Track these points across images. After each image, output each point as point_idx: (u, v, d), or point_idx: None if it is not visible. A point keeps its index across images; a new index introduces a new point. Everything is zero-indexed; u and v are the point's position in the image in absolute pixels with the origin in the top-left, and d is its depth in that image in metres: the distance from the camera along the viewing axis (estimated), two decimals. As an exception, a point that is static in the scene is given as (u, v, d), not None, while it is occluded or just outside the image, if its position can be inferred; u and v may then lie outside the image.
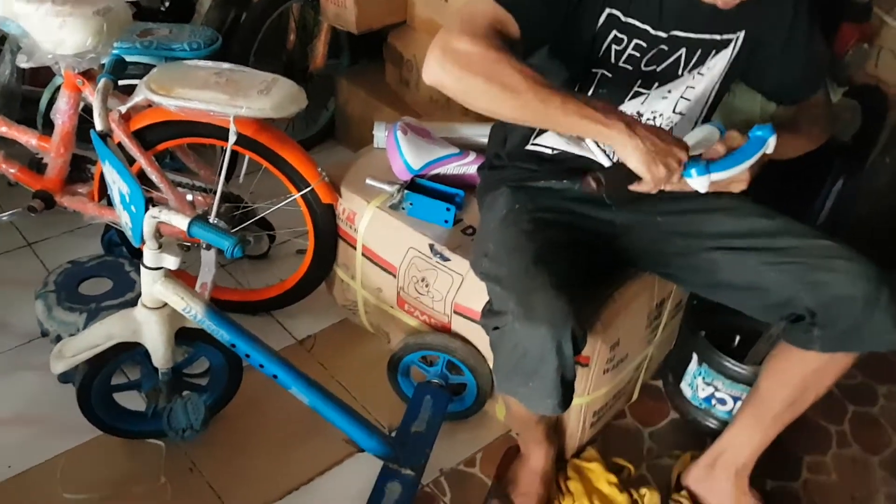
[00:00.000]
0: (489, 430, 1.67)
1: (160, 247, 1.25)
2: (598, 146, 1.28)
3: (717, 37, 1.28)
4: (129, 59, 1.83)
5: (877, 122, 2.11)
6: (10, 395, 1.63)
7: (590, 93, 1.30)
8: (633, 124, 1.08)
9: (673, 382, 1.77)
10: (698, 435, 1.69)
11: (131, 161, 1.67)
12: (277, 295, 1.84)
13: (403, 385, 1.69)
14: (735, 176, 1.17)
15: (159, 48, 1.86)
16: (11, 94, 2.08)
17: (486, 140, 1.63)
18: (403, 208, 1.61)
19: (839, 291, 1.23)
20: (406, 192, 1.61)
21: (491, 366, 1.33)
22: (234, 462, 1.55)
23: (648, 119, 1.34)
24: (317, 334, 1.86)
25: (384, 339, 1.80)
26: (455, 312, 1.55)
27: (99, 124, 1.27)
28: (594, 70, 1.28)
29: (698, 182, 1.13)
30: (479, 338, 1.50)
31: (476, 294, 1.42)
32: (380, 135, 1.79)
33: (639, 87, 1.30)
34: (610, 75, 1.28)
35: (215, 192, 1.64)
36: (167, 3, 2.40)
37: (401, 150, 1.66)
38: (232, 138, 1.53)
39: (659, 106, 1.33)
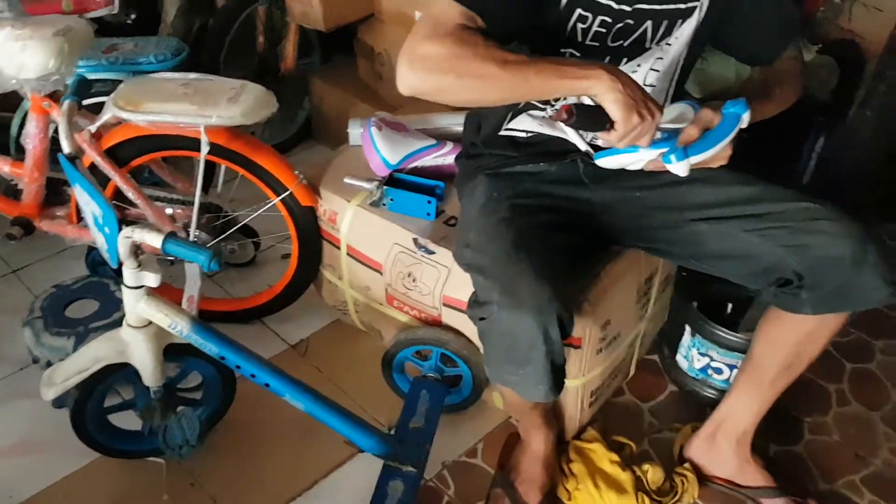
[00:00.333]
0: (489, 419, 1.67)
1: (139, 265, 1.24)
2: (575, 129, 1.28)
3: (682, 5, 1.26)
4: (95, 76, 1.83)
5: (854, 76, 2.10)
6: (7, 423, 1.63)
7: None
8: (614, 70, 1.08)
9: (669, 355, 1.77)
10: (698, 406, 1.69)
11: (107, 180, 1.66)
12: (267, 301, 1.83)
13: (399, 382, 1.68)
14: (715, 154, 1.16)
15: (126, 63, 1.86)
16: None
17: (462, 129, 1.62)
18: (384, 205, 1.60)
19: (825, 252, 1.23)
20: (385, 188, 1.60)
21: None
22: (236, 473, 1.54)
23: None
24: (310, 337, 1.85)
25: (377, 336, 1.79)
26: (444, 305, 1.54)
27: (66, 147, 1.25)
28: (562, 51, 1.27)
29: (678, 167, 1.13)
30: (471, 328, 1.47)
31: (463, 285, 1.41)
32: (354, 132, 1.78)
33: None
34: (578, 54, 1.27)
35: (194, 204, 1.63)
36: (133, 16, 2.38)
37: (376, 147, 1.65)
38: (204, 149, 1.51)
39: (629, 80, 1.32)
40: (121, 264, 1.24)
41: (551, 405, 1.52)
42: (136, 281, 1.25)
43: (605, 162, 1.21)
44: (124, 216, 1.79)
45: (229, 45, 2.24)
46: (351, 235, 1.64)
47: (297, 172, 1.64)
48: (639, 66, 1.30)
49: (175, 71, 1.76)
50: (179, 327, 1.30)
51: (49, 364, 1.63)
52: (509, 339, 1.18)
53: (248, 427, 1.62)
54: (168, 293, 1.79)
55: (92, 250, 1.91)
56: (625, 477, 1.49)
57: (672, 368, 1.76)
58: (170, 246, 1.10)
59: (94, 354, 1.36)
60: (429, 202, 1.57)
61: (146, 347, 1.33)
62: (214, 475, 1.54)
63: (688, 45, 1.31)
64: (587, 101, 1.11)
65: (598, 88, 1.07)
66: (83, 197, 1.22)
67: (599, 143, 1.29)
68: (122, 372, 1.40)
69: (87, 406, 1.45)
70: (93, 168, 1.63)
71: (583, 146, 1.26)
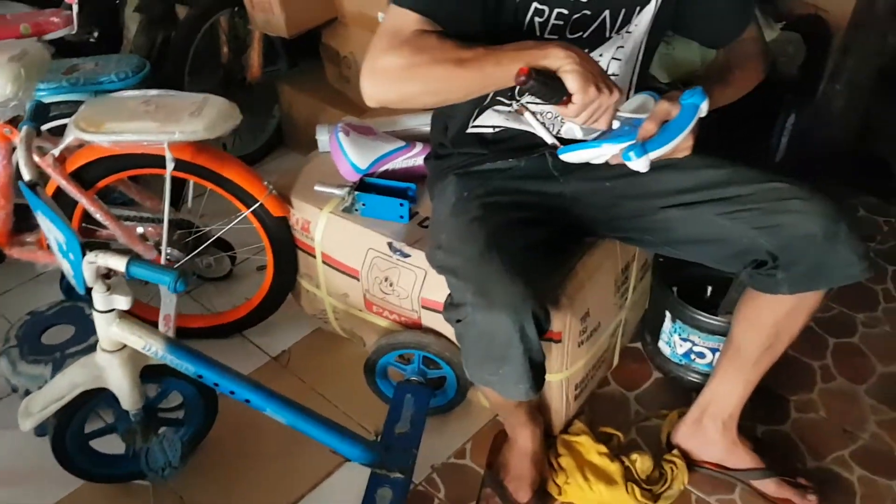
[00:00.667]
0: (476, 419, 1.66)
1: (109, 288, 1.22)
2: (537, 119, 1.27)
3: (639, -7, 1.26)
4: (57, 98, 1.81)
5: (821, 50, 2.11)
6: (-10, 455, 1.61)
7: None
8: (572, 46, 1.08)
9: (651, 342, 1.77)
10: (683, 391, 1.70)
11: (75, 203, 1.64)
12: (246, 314, 1.82)
13: (383, 387, 1.68)
14: (675, 146, 1.15)
15: (87, 83, 1.83)
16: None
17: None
18: (356, 210, 1.60)
19: (797, 231, 1.23)
20: (356, 193, 1.59)
21: (465, 356, 1.32)
22: (223, 491, 1.53)
23: None
24: (291, 348, 1.84)
25: (359, 343, 1.78)
26: (423, 307, 1.54)
27: (26, 174, 1.23)
28: None
29: (638, 163, 1.12)
30: (451, 329, 1.47)
31: (441, 286, 1.40)
32: (323, 138, 1.77)
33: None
34: None
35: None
36: (95, 35, 2.36)
37: (345, 152, 1.64)
38: (169, 165, 1.50)
39: (592, 71, 1.31)
40: (90, 289, 1.22)
41: (536, 401, 1.52)
42: (107, 305, 1.23)
43: (568, 157, 1.20)
44: (95, 238, 1.78)
45: (193, 58, 2.22)
46: (325, 243, 1.63)
47: (266, 183, 1.63)
48: (601, 55, 1.30)
49: (138, 87, 1.75)
50: (154, 348, 1.28)
51: (28, 393, 1.60)
52: (486, 340, 1.17)
53: (234, 443, 1.61)
54: (146, 312, 1.77)
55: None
56: (614, 468, 1.49)
57: (655, 355, 1.76)
58: (133, 269, 1.09)
59: (70, 381, 1.35)
60: (401, 205, 1.57)
61: (122, 371, 1.32)
62: (202, 494, 1.52)
63: (648, 32, 1.31)
64: (520, 127, 1.12)
65: (555, 61, 1.07)
66: (45, 224, 1.20)
67: (564, 136, 1.29)
68: (100, 397, 1.38)
69: (67, 433, 1.44)
70: (59, 192, 1.61)
71: (549, 139, 1.26)
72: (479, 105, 1.36)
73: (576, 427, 1.60)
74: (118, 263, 1.10)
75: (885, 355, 1.81)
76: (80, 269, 1.15)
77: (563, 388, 1.54)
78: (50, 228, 1.21)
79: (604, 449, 1.53)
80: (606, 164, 1.23)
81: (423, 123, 1.76)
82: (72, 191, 1.59)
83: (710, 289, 1.75)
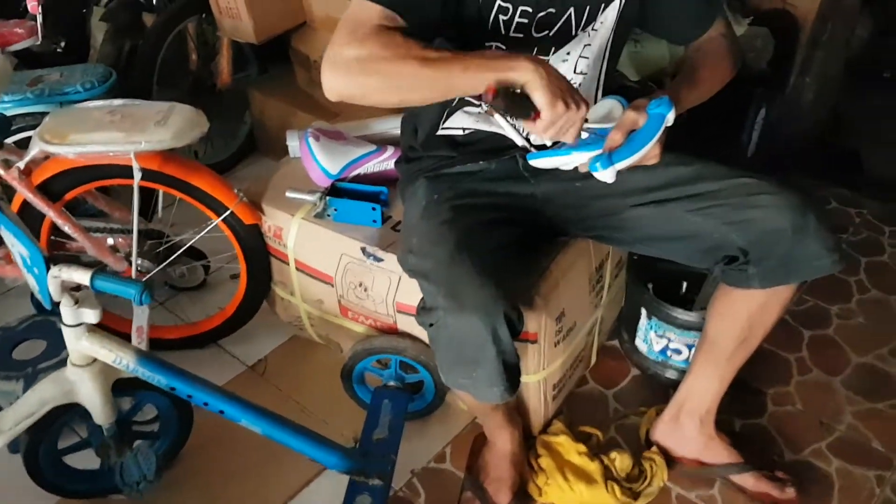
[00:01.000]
0: (455, 423, 1.66)
1: (76, 302, 1.21)
2: (507, 121, 1.28)
3: (603, -10, 1.27)
4: (22, 110, 1.79)
5: (789, 44, 2.13)
6: (-38, 475, 1.59)
7: None
8: (541, 61, 1.08)
9: (628, 340, 1.78)
10: (661, 388, 1.71)
11: (43, 216, 1.62)
12: (220, 324, 1.81)
13: (361, 393, 1.67)
14: (642, 157, 1.16)
15: (52, 94, 1.82)
16: None
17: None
18: (329, 215, 1.59)
19: (766, 226, 1.24)
20: (328, 198, 1.58)
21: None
22: (202, 503, 1.52)
23: None
24: (268, 356, 1.83)
25: (336, 349, 1.78)
26: (398, 311, 1.54)
27: (-13, 188, 1.22)
28: (487, 44, 1.26)
29: (605, 174, 1.13)
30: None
31: (415, 290, 1.39)
32: (293, 144, 1.76)
33: (535, 54, 1.29)
34: (504, 48, 1.26)
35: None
36: (62, 45, 2.34)
37: (315, 158, 1.64)
38: (137, 175, 1.49)
39: (560, 69, 1.31)
40: (58, 303, 1.21)
41: (514, 403, 1.52)
42: (75, 319, 1.22)
43: (537, 163, 1.22)
44: (65, 251, 1.76)
45: (161, 66, 2.20)
46: (298, 250, 1.63)
47: (237, 190, 1.62)
48: (568, 54, 1.30)
49: (105, 97, 1.74)
50: (125, 361, 1.27)
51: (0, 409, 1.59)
52: (458, 343, 1.17)
53: (211, 455, 1.59)
54: (120, 324, 1.76)
55: (36, 288, 1.87)
56: (593, 467, 1.50)
57: (632, 353, 1.77)
58: (98, 282, 1.08)
59: (41, 397, 1.33)
60: (373, 209, 1.56)
61: (93, 386, 1.31)
62: (179, 507, 1.52)
63: (614, 29, 1.31)
64: (489, 129, 1.12)
65: (523, 76, 1.06)
66: (9, 239, 1.19)
67: (534, 139, 1.29)
68: (72, 412, 1.37)
69: (40, 450, 1.42)
70: (26, 205, 1.60)
71: (519, 141, 1.26)
72: (449, 107, 1.36)
73: (555, 427, 1.60)
74: (83, 277, 1.09)
75: (859, 346, 1.83)
76: (46, 284, 1.13)
77: (541, 389, 1.54)
78: (13, 243, 1.19)
79: (583, 448, 1.53)
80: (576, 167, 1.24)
81: (393, 127, 1.76)
82: (38, 204, 1.58)
83: (684, 285, 1.76)
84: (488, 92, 1.06)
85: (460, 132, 1.39)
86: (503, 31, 1.24)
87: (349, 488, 1.40)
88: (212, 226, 1.63)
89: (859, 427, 1.64)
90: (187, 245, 1.70)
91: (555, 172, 1.37)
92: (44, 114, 1.69)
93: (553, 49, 1.29)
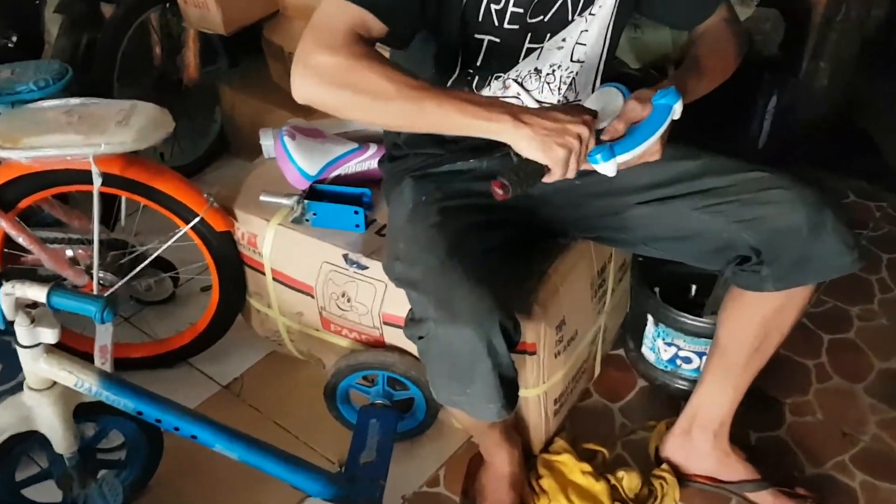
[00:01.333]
0: (449, 442, 1.66)
1: (33, 320, 1.20)
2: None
3: (599, -29, 1.27)
4: (-31, 112, 1.78)
5: (801, 26, 2.14)
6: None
7: (478, 62, 1.28)
8: (518, 113, 1.07)
9: (634, 349, 1.79)
10: (670, 400, 1.71)
11: (-7, 227, 1.61)
12: (192, 340, 1.81)
13: (346, 413, 1.67)
14: (646, 150, 1.16)
15: (2, 94, 1.80)
16: None
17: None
18: (307, 220, 1.59)
19: (780, 223, 1.25)
20: (306, 202, 1.58)
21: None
22: (174, 536, 1.52)
23: (547, 74, 1.33)
24: (244, 374, 1.83)
25: (318, 365, 1.77)
26: (385, 323, 1.54)
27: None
28: (478, 37, 1.26)
29: (605, 167, 1.13)
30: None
31: (403, 300, 1.40)
32: (267, 143, 1.76)
33: (530, 42, 1.29)
34: (497, 40, 1.26)
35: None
36: (14, 40, 2.32)
37: (292, 158, 1.63)
38: (97, 181, 1.48)
39: (555, 58, 1.32)
40: (12, 322, 1.20)
41: (512, 420, 1.52)
42: (32, 339, 1.21)
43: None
44: (20, 264, 1.75)
45: (122, 61, 2.19)
46: (275, 258, 1.62)
47: (206, 195, 1.62)
48: (564, 40, 1.31)
49: (60, 96, 1.72)
50: (87, 384, 1.26)
51: (-48, 440, 1.57)
52: (450, 357, 1.17)
53: (183, 485, 1.59)
54: (82, 343, 1.75)
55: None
56: (599, 487, 1.50)
57: (639, 362, 1.78)
58: (55, 299, 1.07)
59: (-5, 425, 1.32)
60: (356, 213, 1.56)
61: (52, 411, 1.29)
62: (150, 541, 1.51)
63: (613, 13, 1.31)
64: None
65: (507, 136, 1.07)
66: (-43, 253, 1.18)
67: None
68: (31, 440, 1.36)
69: (-4, 483, 1.41)
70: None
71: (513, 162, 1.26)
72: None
73: (557, 445, 1.60)
74: (38, 294, 1.08)
75: (883, 350, 1.84)
76: (-2, 302, 1.12)
77: (542, 404, 1.54)
78: (-38, 258, 1.18)
79: (588, 467, 1.53)
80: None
81: (376, 123, 1.76)
82: (-11, 214, 1.57)
83: (694, 288, 1.77)
84: (496, 189, 1.07)
85: (448, 128, 1.39)
86: (496, 23, 1.24)
87: (335, 517, 1.40)
88: (180, 234, 1.62)
89: (884, 437, 1.65)
90: (153, 256, 1.70)
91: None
92: (-6, 115, 1.68)
93: (549, 35, 1.29)
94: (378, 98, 1.06)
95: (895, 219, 2.24)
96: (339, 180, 1.65)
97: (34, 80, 1.80)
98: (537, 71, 1.32)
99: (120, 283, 1.71)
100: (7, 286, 1.10)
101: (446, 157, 1.40)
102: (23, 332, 1.20)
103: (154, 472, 1.55)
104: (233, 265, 1.68)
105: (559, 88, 1.33)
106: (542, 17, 1.27)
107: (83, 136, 1.45)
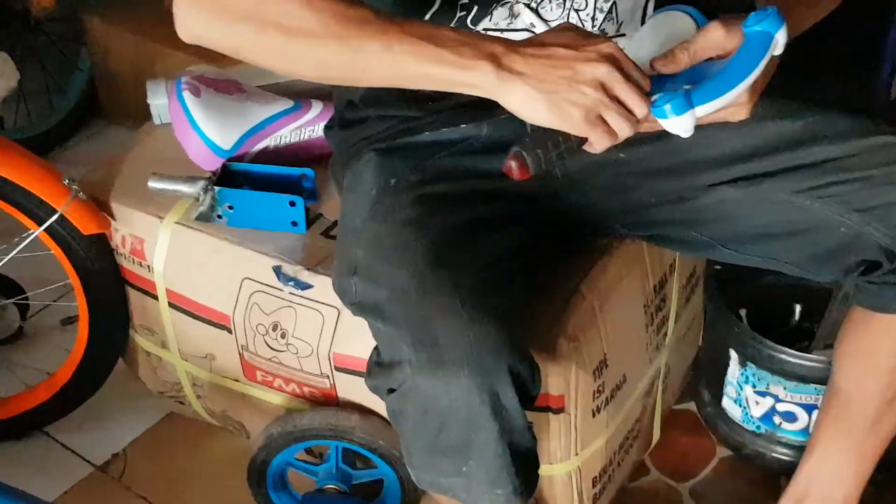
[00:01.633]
0: (435, 545, 1.67)
1: None
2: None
3: None
4: None
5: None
6: None
7: None
8: (503, 54, 1.05)
9: (711, 402, 1.80)
10: (766, 476, 1.73)
11: None
12: (49, 399, 1.82)
13: (281, 503, 1.68)
14: (736, 98, 1.15)
15: None
16: None
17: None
18: (220, 217, 1.60)
19: (926, 214, 1.26)
20: (218, 189, 1.59)
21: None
22: None
23: (567, 9, 1.32)
24: (127, 449, 1.85)
25: (238, 432, 1.79)
26: (338, 369, 1.55)
27: None
28: None
29: (677, 123, 1.11)
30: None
31: (365, 333, 1.41)
32: (158, 102, 1.78)
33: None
34: None
35: None
36: None
37: (195, 124, 1.64)
38: None
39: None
40: None
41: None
42: None
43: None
44: None
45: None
46: (171, 274, 1.64)
47: (68, 181, 1.63)
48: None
49: None
50: None
51: None
52: (436, 420, 1.17)
53: None
54: None
55: None
56: None
57: (719, 421, 1.79)
58: None
59: None
60: (292, 204, 1.58)
61: None
62: None
63: None
64: None
65: (489, 91, 1.06)
66: None
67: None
68: None
69: None
70: None
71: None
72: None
73: (598, 546, 1.61)
74: None
75: None
76: None
77: (574, 485, 1.55)
78: None
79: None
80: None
81: (321, 70, 1.77)
82: None
83: (798, 309, 1.78)
84: (512, 165, 1.09)
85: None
86: None
87: None
88: (29, 239, 1.64)
89: None
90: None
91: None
92: None
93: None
94: (294, 37, 1.06)
95: None
96: (266, 156, 1.67)
97: None
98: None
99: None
100: None
101: (426, 121, 1.39)
102: None
103: None
104: (108, 285, 1.70)
105: (593, 18, 1.33)
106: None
107: None
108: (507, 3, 1.30)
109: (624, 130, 1.07)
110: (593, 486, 1.59)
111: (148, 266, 1.64)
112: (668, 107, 1.08)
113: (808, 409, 1.66)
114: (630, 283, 1.54)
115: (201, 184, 1.59)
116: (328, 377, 1.55)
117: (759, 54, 1.13)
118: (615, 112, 1.05)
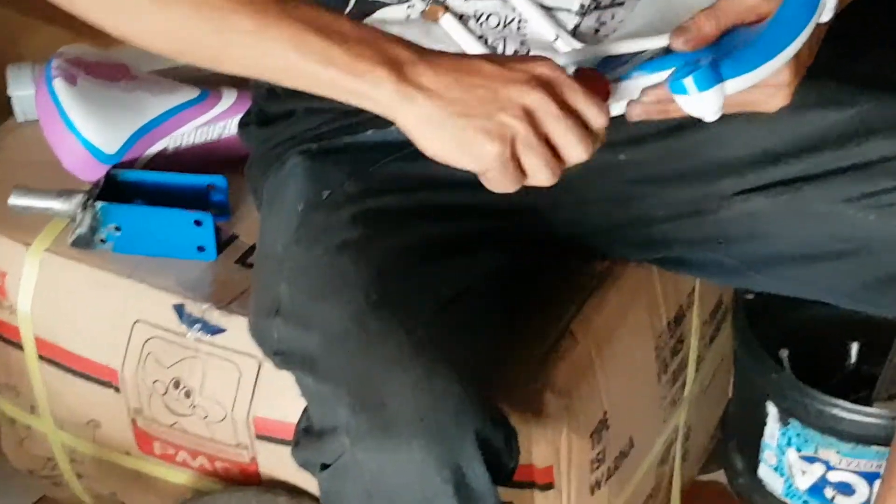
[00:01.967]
0: None
1: None
2: (467, 28, 1.28)
3: None
4: None
5: None
6: None
7: None
8: (408, 63, 1.04)
9: (744, 470, 1.81)
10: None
11: None
12: None
13: None
14: (769, 76, 1.16)
15: None
16: None
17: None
18: (104, 241, 1.60)
19: None
20: (100, 205, 1.59)
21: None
22: None
23: None
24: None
25: (130, 520, 1.78)
26: (259, 437, 1.55)
27: None
28: None
29: (701, 102, 1.11)
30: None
31: (292, 392, 1.42)
32: (22, 94, 1.78)
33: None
34: None
35: None
36: None
37: (69, 121, 1.65)
38: None
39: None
40: None
41: None
42: None
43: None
44: None
45: None
46: (41, 317, 1.64)
47: None
48: None
49: None
50: None
51: None
52: (383, 502, 1.17)
53: None
54: None
55: None
56: None
57: (754, 495, 1.80)
58: None
59: None
60: (198, 223, 1.58)
61: None
62: None
63: None
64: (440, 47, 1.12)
65: (387, 107, 1.05)
66: None
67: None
68: None
69: None
70: None
71: (563, 40, 1.27)
72: (344, 4, 1.37)
73: None
74: None
75: None
76: None
77: (568, 583, 1.55)
78: None
79: None
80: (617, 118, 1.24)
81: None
82: None
83: (854, 349, 1.79)
84: None
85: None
86: None
87: None
88: None
89: None
90: None
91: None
92: None
93: None
94: (155, 3, 1.06)
95: None
96: (165, 161, 1.68)
97: None
98: None
99: None
100: None
101: (370, 116, 1.38)
102: None
103: None
104: (-43, 333, 1.69)
105: None
106: None
107: None
108: None
109: (541, 179, 1.06)
110: (593, 584, 1.60)
111: (10, 307, 1.65)
112: (689, 80, 1.06)
113: (869, 478, 1.67)
114: (636, 319, 1.55)
115: (79, 199, 1.59)
116: (247, 448, 1.56)
117: (803, 19, 1.14)
118: (537, 155, 1.04)
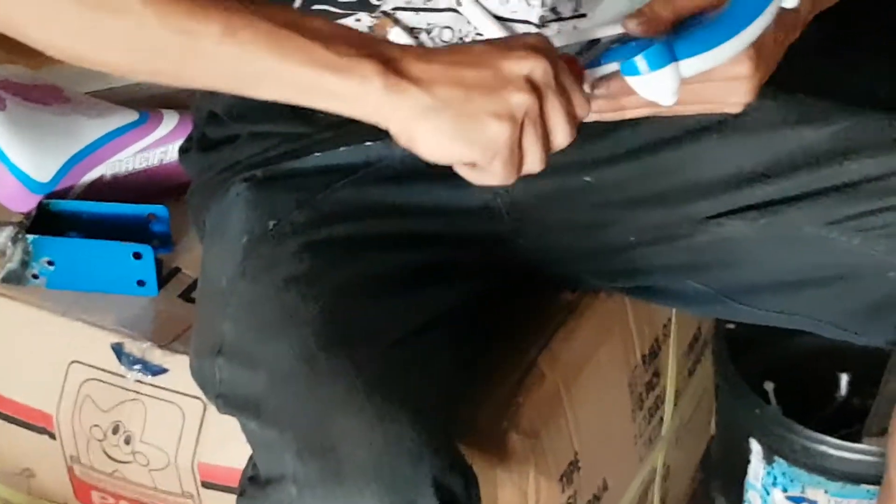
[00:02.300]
0: None
1: None
2: (411, 37, 1.29)
3: None
4: None
5: None
6: None
7: None
8: (397, 57, 1.04)
9: (727, 511, 1.81)
10: None
11: None
12: None
13: None
14: (727, 60, 1.16)
15: None
16: None
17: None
18: (36, 276, 1.61)
19: None
20: (31, 238, 1.59)
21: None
22: None
23: None
24: None
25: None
26: (205, 485, 1.55)
27: None
28: None
29: (654, 82, 1.11)
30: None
31: (238, 437, 1.42)
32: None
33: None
34: None
35: None
36: None
37: (-1, 150, 1.64)
38: None
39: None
40: None
41: None
42: None
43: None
44: None
45: None
46: None
47: None
48: None
49: None
50: None
51: None
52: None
53: None
54: None
55: None
56: None
57: (740, 540, 1.80)
58: None
59: None
60: (137, 256, 1.58)
61: None
62: None
63: None
64: None
65: (376, 105, 1.02)
66: None
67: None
68: None
69: None
70: None
71: None
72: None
73: None
74: None
75: None
76: None
77: None
78: None
79: None
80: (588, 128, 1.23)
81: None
82: None
83: (843, 381, 1.79)
84: None
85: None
86: None
87: None
88: None
89: None
90: None
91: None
92: None
93: None
94: (100, 11, 1.04)
95: None
96: (101, 190, 1.68)
97: None
98: None
99: None
100: None
101: (318, 139, 1.40)
102: None
103: None
104: None
105: None
106: None
107: None
108: None
109: (534, 163, 1.05)
110: None
111: (-66, 348, 1.65)
112: (640, 59, 1.07)
113: (858, 518, 1.67)
114: (608, 353, 1.55)
115: (8, 231, 1.59)
116: (192, 497, 1.56)
117: (763, 1, 1.14)
118: (537, 135, 1.03)
